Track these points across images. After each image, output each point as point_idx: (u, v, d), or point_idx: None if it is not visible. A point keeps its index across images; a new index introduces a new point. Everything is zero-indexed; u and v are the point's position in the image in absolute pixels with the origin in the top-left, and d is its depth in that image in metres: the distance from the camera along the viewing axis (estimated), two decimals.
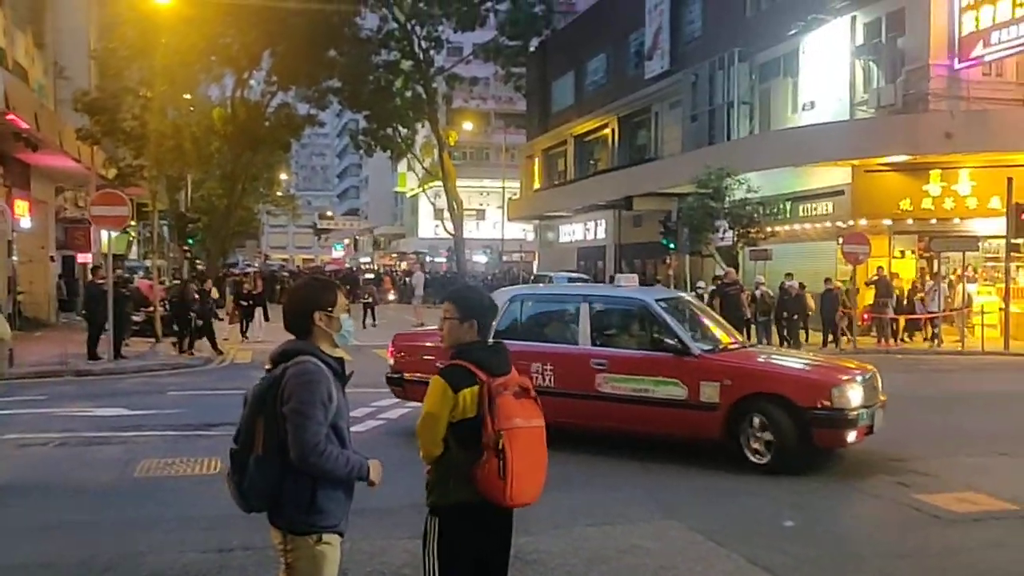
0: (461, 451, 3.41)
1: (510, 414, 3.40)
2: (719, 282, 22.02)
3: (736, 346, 9.86)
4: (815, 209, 26.04)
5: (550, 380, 9.38)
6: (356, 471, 3.34)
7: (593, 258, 41.06)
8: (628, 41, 38.75)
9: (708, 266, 27.55)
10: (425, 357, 10.11)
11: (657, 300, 9.66)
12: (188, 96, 29.00)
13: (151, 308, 21.53)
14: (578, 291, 11.17)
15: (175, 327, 20.30)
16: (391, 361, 10.66)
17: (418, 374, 9.98)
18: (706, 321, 10.30)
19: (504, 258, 56.11)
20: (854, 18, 25.21)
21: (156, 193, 22.66)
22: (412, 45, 42.48)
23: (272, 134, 34.57)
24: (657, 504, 7.45)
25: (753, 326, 21.79)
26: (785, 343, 21.28)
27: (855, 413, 8.38)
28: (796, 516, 7.13)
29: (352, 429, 3.54)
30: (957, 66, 22.88)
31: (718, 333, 9.99)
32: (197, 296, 20.45)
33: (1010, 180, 21.24)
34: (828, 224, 25.27)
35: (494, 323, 3.82)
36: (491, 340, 3.67)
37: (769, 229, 25.38)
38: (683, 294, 12.26)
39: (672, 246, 27.04)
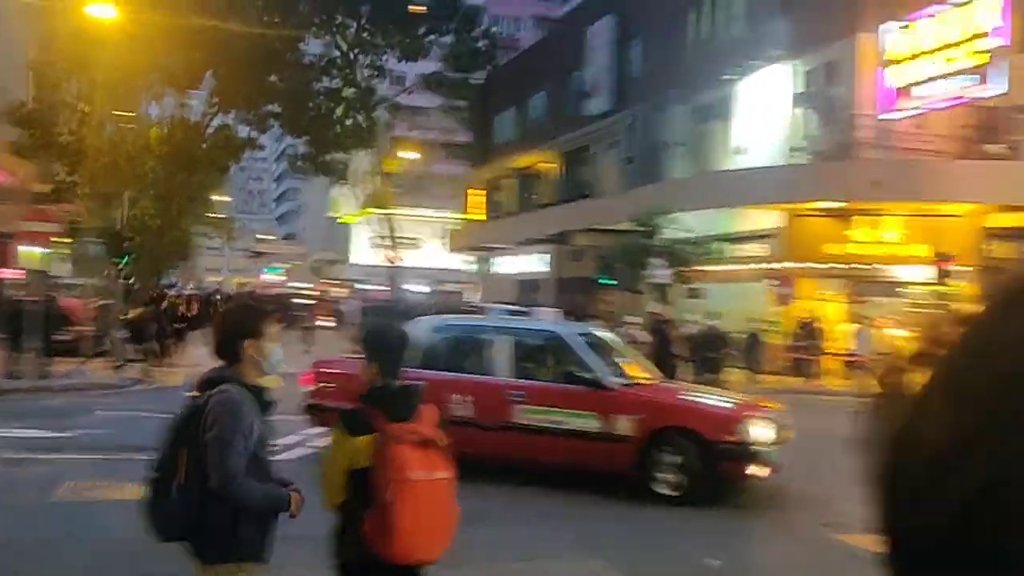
0: (358, 501, 3.26)
1: (405, 465, 3.21)
2: (654, 319, 22.29)
3: (651, 381, 10.09)
4: (748, 250, 26.59)
5: (469, 411, 9.45)
6: (275, 503, 3.34)
7: (533, 291, 41.19)
8: (569, 79, 39.27)
9: (644, 303, 27.88)
10: (343, 385, 10.06)
11: (575, 334, 9.89)
12: (132, 114, 28.60)
13: (78, 327, 21.06)
14: (498, 323, 11.34)
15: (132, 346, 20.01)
16: (310, 389, 10.56)
17: (336, 403, 9.89)
18: (622, 356, 10.52)
19: (443, 288, 55.95)
20: (789, 67, 25.93)
21: (90, 210, 22.27)
22: (355, 74, 42.53)
23: (210, 156, 34.23)
24: (579, 538, 7.52)
25: (685, 363, 22.12)
26: (707, 380, 21.60)
27: (762, 448, 8.63)
28: (719, 554, 7.25)
29: (281, 456, 3.56)
30: (885, 117, 23.66)
31: (633, 368, 10.22)
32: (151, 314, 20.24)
33: (934, 229, 21.99)
34: (760, 265, 25.80)
35: (400, 361, 3.62)
36: (401, 382, 3.51)
37: (703, 268, 25.88)
38: (599, 329, 12.51)
39: (610, 282, 27.36)
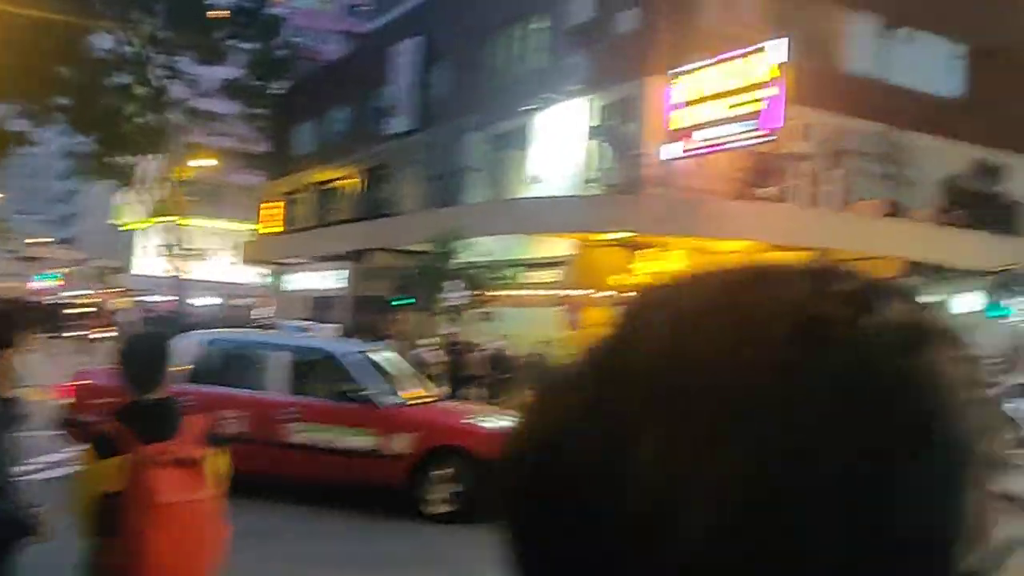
0: (109, 526, 3.05)
1: (159, 488, 3.01)
2: (448, 341, 22.56)
3: (428, 400, 10.28)
4: (541, 276, 27.34)
5: (241, 428, 9.27)
6: (20, 525, 3.12)
7: (328, 308, 40.53)
8: (372, 96, 39.14)
9: (439, 325, 28.09)
10: (101, 399, 9.52)
11: (351, 351, 9.96)
12: None
13: None
14: (273, 339, 11.22)
15: None
16: (68, 402, 9.90)
17: (93, 417, 9.33)
18: (400, 374, 10.65)
19: (234, 302, 54.12)
20: (585, 102, 26.95)
21: None
22: (148, 72, 40.68)
23: None
24: (355, 556, 7.49)
25: (477, 384, 22.43)
26: (495, 401, 22.03)
27: None
28: (490, 571, 7.37)
29: (43, 475, 3.33)
30: (670, 156, 25.04)
31: (411, 386, 10.36)
32: None
33: (712, 264, 23.34)
34: (552, 292, 26.57)
35: (158, 375, 3.36)
36: (157, 398, 3.27)
37: (498, 292, 26.36)
38: (378, 347, 12.60)
39: (405, 302, 27.39)
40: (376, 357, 10.58)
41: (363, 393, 9.25)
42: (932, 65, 27.69)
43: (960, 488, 0.47)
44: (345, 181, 41.90)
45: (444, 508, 8.88)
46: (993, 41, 27.23)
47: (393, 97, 36.77)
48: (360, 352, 10.33)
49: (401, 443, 9.02)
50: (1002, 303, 22.76)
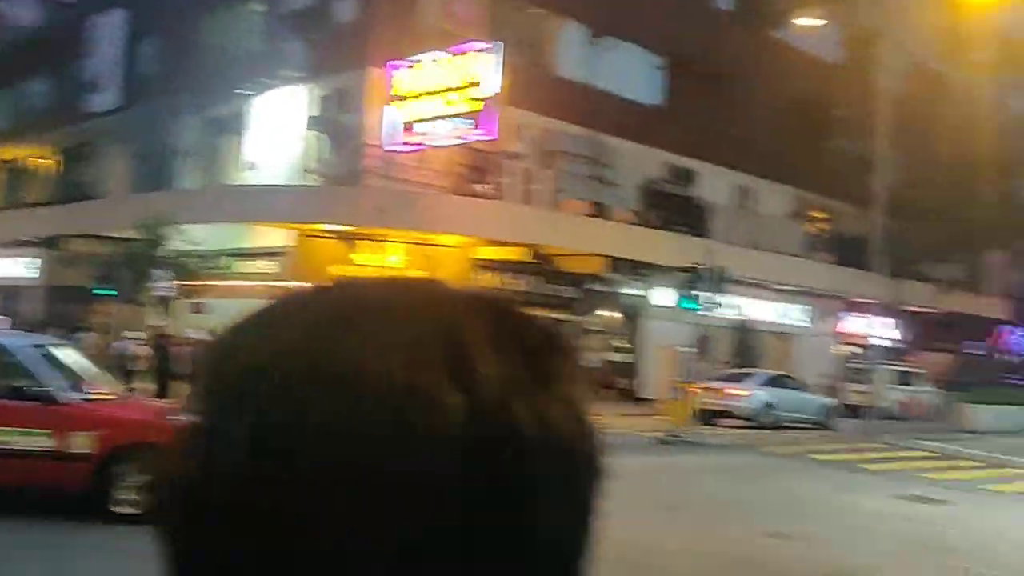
0: None
1: None
2: (155, 334, 21.44)
3: (114, 396, 9.79)
4: (257, 267, 26.57)
5: None
6: None
7: (17, 299, 37.12)
8: (74, 69, 36.28)
9: (146, 316, 26.60)
10: None
11: (24, 345, 9.32)
12: None
13: None
14: None
15: None
16: None
17: None
18: (82, 369, 10.07)
19: None
20: (304, 89, 26.48)
21: None
22: None
23: None
24: (40, 569, 6.93)
25: (184, 379, 21.45)
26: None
27: None
28: None
29: None
30: (390, 149, 25.19)
31: (95, 382, 9.83)
32: None
33: (432, 257, 23.93)
34: (268, 283, 25.89)
35: None
36: None
37: (210, 283, 25.31)
38: (58, 339, 11.84)
39: (108, 292, 25.72)
40: (55, 351, 9.84)
41: (38, 390, 8.59)
42: (634, 74, 29.69)
43: (583, 503, 0.49)
44: (40, 160, 38.56)
45: (133, 509, 8.40)
46: (688, 54, 29.63)
47: (96, 71, 34.29)
48: (35, 345, 9.54)
49: (83, 442, 8.45)
50: (692, 298, 24.84)
